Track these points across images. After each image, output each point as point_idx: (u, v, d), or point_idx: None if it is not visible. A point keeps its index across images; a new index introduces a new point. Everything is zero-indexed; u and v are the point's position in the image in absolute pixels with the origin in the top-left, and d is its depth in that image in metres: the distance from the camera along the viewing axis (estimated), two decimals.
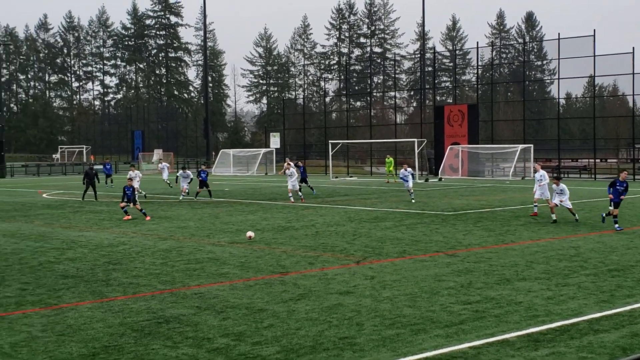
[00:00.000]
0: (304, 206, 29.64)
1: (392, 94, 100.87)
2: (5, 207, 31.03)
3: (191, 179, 34.63)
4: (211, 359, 8.71)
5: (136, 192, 29.48)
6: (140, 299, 12.06)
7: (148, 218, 25.22)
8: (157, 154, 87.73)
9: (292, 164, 35.66)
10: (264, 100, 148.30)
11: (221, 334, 9.71)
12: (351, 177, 59.23)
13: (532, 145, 54.96)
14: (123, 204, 25.77)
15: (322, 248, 17.64)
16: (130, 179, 29.17)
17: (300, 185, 34.22)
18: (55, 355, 8.96)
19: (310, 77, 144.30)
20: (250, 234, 19.35)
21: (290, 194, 32.00)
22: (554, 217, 22.41)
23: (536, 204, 24.64)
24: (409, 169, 32.67)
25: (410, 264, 15.17)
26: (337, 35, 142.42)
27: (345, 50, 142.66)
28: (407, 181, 32.07)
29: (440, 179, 51.38)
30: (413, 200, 31.02)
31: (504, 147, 56.34)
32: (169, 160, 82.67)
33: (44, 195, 40.33)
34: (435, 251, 16.95)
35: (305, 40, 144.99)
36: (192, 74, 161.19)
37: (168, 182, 44.19)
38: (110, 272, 14.62)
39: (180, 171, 35.49)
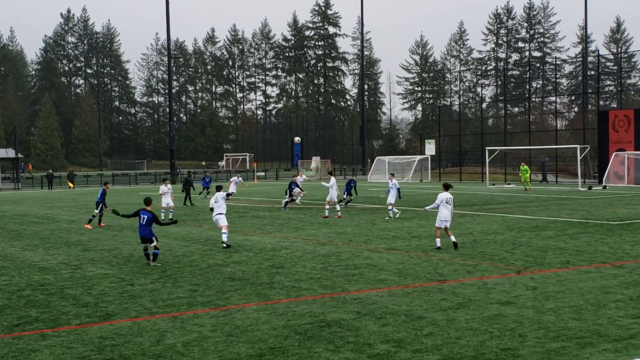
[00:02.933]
0: (461, 214, 29.27)
1: (552, 99, 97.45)
2: (176, 212, 32.91)
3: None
4: None
5: (170, 211, 30.28)
6: (302, 302, 12.45)
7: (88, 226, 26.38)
8: (315, 161, 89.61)
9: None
10: (419, 107, 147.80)
11: (381, 340, 9.85)
12: (509, 184, 57.72)
13: None
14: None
15: (481, 257, 17.39)
16: (163, 194, 30.09)
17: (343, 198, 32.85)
18: (225, 355, 9.37)
19: (466, 83, 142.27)
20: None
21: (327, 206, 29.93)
22: None
23: None
24: (394, 181, 29.81)
25: (574, 275, 14.64)
26: (495, 40, 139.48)
27: (502, 55, 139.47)
28: (388, 193, 29.35)
29: (604, 187, 48.97)
30: (390, 217, 28.06)
31: None
32: (326, 168, 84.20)
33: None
34: (601, 262, 16.24)
35: (462, 46, 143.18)
36: (348, 82, 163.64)
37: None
38: (274, 276, 15.18)
39: (234, 177, 36.64)
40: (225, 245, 19.76)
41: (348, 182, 34.41)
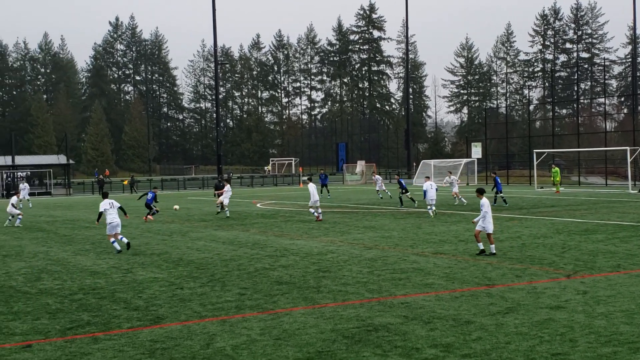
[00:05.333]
0: (509, 217, 28.94)
1: (601, 100, 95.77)
2: (224, 216, 33.27)
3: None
4: None
5: (226, 209, 33.57)
6: (349, 306, 12.47)
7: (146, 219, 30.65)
8: (360, 165, 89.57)
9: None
10: (465, 110, 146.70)
11: (429, 345, 9.82)
12: (541, 187, 56.82)
13: None
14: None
15: (530, 261, 17.19)
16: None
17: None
18: (273, 358, 9.42)
19: (513, 85, 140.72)
20: (176, 206, 21.85)
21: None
22: None
23: None
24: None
25: (625, 279, 14.38)
26: (542, 42, 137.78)
27: (550, 57, 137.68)
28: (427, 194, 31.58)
29: None
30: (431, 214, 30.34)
31: None
32: (371, 172, 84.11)
33: (258, 205, 42.72)
34: None
35: (508, 47, 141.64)
36: (393, 86, 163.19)
37: (384, 193, 44.88)
38: (321, 280, 15.23)
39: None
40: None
41: (398, 181, 38.06)
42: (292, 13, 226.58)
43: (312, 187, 30.84)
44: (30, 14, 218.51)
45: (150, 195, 33.19)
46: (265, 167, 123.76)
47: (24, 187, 49.41)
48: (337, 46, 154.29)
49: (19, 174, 71.66)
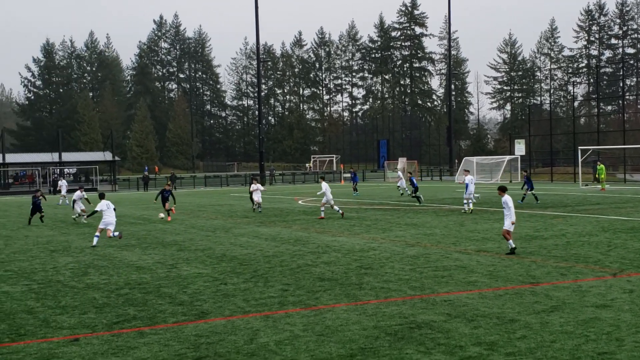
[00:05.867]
0: (553, 215, 28.58)
1: None
2: (267, 213, 33.49)
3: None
4: None
5: (259, 207, 33.89)
6: (391, 303, 12.47)
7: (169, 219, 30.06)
8: (401, 162, 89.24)
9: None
10: (508, 107, 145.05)
11: (473, 343, 9.77)
12: (586, 185, 55.93)
13: None
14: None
15: (575, 259, 16.97)
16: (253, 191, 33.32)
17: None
18: (316, 354, 9.48)
19: (557, 82, 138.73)
20: (161, 214, 23.71)
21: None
22: None
23: None
24: (470, 177, 32.24)
25: None
26: (586, 37, 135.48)
27: (594, 52, 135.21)
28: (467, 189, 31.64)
29: None
30: (466, 210, 30.91)
31: None
32: (413, 169, 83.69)
33: (300, 202, 42.87)
34: None
35: (552, 43, 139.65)
36: (435, 82, 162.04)
37: (404, 190, 45.43)
38: (363, 276, 15.25)
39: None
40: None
41: (410, 179, 39.64)
42: (333, 10, 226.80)
43: (325, 186, 30.95)
44: (76, 13, 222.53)
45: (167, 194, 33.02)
46: (307, 164, 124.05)
47: (63, 184, 49.71)
48: (379, 43, 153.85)
49: (60, 170, 72.93)
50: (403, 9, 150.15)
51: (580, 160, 55.13)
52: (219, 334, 10.63)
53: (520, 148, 71.65)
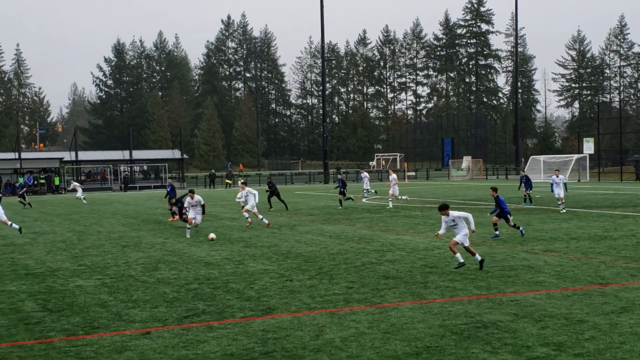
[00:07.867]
0: (623, 215, 27.89)
1: None
2: (330, 211, 33.68)
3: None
4: None
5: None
6: (457, 302, 12.43)
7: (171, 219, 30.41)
8: (466, 161, 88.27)
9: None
10: (576, 105, 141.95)
11: (540, 343, 9.69)
12: None
13: None
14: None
15: None
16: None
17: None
18: (382, 352, 9.52)
19: (627, 79, 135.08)
20: (212, 235, 22.23)
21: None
22: None
23: None
24: (561, 176, 31.31)
25: None
26: None
27: None
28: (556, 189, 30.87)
29: None
30: (563, 211, 29.91)
31: None
32: (478, 167, 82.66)
33: (363, 200, 42.91)
34: None
35: (622, 40, 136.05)
36: (501, 80, 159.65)
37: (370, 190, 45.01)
38: (427, 275, 15.24)
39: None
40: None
41: (521, 177, 36.26)
42: (398, 8, 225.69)
43: (247, 193, 27.42)
44: (145, 13, 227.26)
45: (169, 189, 33.57)
46: (370, 163, 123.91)
47: (77, 186, 49.06)
48: (444, 40, 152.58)
49: (75, 169, 74.57)
50: (469, 6, 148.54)
51: None
52: (286, 329, 10.80)
53: (588, 146, 70.07)
